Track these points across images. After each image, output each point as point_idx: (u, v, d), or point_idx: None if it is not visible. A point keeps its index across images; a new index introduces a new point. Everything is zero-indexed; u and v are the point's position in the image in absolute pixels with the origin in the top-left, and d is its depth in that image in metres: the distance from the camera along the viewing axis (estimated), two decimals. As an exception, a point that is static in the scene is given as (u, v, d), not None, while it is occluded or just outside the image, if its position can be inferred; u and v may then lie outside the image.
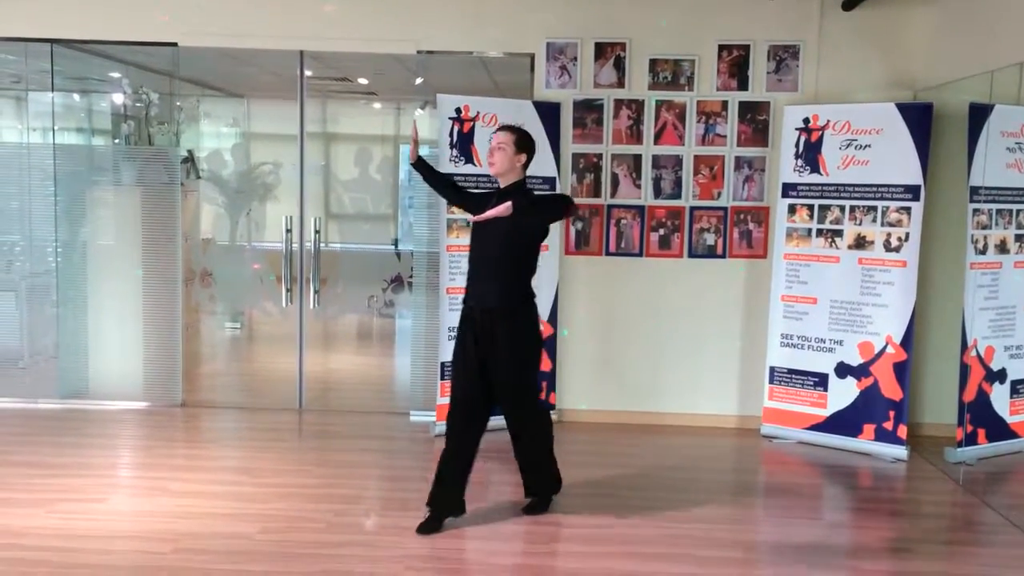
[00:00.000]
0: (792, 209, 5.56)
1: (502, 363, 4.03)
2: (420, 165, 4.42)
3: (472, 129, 5.46)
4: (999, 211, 5.11)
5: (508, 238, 3.96)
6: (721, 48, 5.67)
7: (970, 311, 5.03)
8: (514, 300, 4.06)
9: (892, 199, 5.26)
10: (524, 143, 4.09)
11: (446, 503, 4.07)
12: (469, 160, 5.52)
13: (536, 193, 4.27)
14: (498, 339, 4.01)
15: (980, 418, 5.15)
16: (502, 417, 4.23)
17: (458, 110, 5.47)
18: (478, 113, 5.49)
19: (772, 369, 5.65)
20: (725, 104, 5.71)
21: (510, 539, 4.01)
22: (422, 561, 3.74)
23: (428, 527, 4.00)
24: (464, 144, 5.52)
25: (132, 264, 6.03)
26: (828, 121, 5.42)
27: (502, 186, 4.10)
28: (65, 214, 6.05)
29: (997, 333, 5.18)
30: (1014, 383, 5.27)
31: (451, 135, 5.49)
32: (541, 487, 4.32)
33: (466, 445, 4.08)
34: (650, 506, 4.41)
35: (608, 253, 5.85)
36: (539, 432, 4.26)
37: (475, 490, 4.17)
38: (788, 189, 5.56)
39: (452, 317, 5.19)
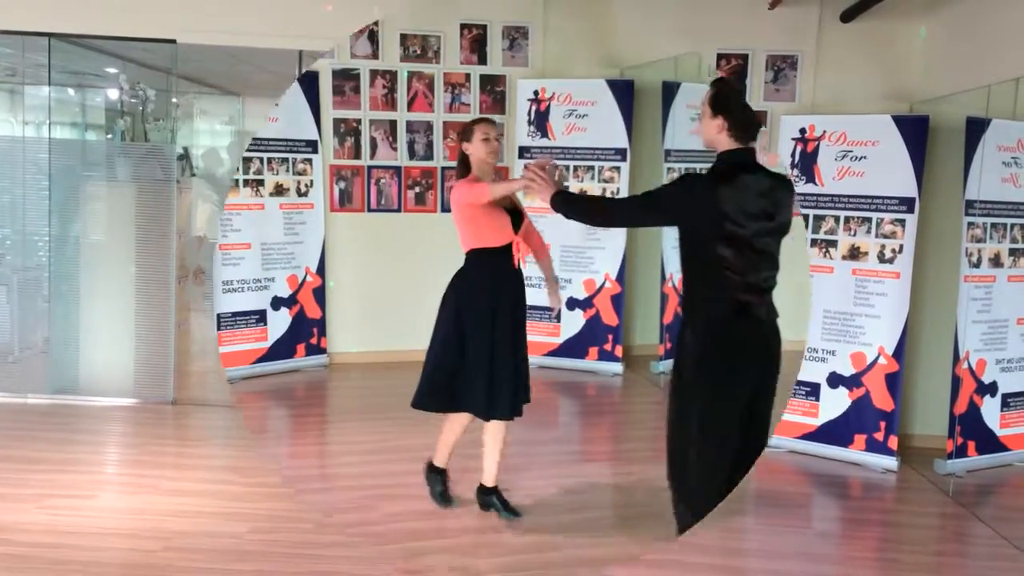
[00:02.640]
0: (787, 218, 5.57)
1: None
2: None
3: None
4: (994, 225, 5.13)
5: None
6: (720, 56, 5.70)
7: (963, 324, 5.05)
8: None
9: (887, 211, 5.28)
10: None
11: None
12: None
13: None
14: None
15: (970, 430, 5.17)
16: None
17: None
18: None
19: (764, 378, 5.65)
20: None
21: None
22: (411, 563, 3.73)
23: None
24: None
25: (125, 260, 5.99)
26: (824, 132, 5.44)
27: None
28: (58, 209, 6.01)
29: (989, 346, 5.20)
30: (1005, 396, 5.29)
31: None
32: None
33: None
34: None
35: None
36: None
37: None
38: (784, 198, 5.57)
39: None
